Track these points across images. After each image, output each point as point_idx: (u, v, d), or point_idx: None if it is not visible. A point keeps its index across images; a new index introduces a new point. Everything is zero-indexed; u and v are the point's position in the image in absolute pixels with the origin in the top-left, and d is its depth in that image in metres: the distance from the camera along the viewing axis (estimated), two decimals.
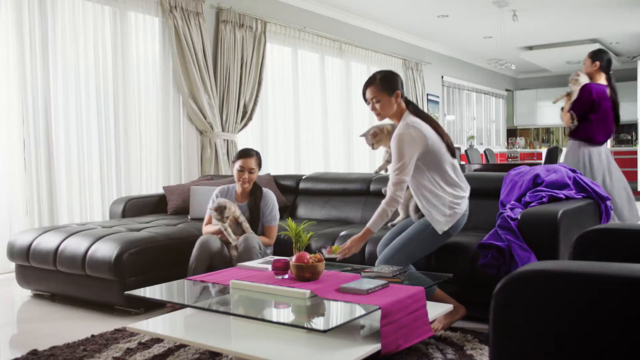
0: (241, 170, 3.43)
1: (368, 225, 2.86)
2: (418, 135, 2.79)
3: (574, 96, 4.37)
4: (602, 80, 4.43)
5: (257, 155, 3.51)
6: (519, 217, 2.99)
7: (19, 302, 3.76)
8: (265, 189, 3.55)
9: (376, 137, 3.15)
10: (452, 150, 2.94)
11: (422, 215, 2.96)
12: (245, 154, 3.46)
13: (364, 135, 3.23)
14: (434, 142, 2.84)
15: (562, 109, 4.53)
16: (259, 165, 3.51)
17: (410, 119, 2.87)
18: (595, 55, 4.42)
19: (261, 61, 6.62)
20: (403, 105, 2.95)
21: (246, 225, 3.35)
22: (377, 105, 2.91)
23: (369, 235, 2.88)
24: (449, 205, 2.88)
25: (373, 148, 3.20)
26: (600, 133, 4.38)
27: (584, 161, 4.33)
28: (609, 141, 4.47)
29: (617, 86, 4.58)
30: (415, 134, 2.79)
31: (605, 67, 4.40)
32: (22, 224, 4.62)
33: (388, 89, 2.91)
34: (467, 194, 2.99)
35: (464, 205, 2.95)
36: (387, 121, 3.07)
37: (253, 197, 3.47)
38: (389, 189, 2.85)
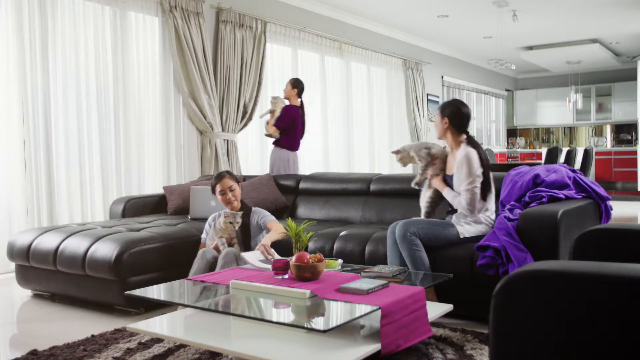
0: (223, 193, 3.45)
1: (446, 188, 3.29)
2: (477, 157, 3.24)
3: (277, 113, 5.36)
4: (297, 102, 5.55)
5: (229, 173, 3.55)
6: (517, 218, 3.00)
7: (19, 302, 3.76)
8: (253, 207, 3.61)
9: (398, 154, 3.52)
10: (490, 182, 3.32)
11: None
12: (218, 177, 3.49)
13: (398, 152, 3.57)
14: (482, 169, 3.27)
15: (268, 122, 5.50)
16: (236, 181, 3.54)
17: (469, 147, 3.27)
18: (294, 83, 5.55)
19: (261, 61, 6.62)
20: (452, 134, 3.35)
21: (237, 247, 3.38)
22: (434, 123, 3.42)
23: (443, 187, 3.30)
24: (482, 221, 3.21)
25: (401, 164, 3.58)
26: (297, 142, 5.58)
27: (289, 163, 5.47)
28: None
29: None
30: (476, 156, 3.24)
31: (299, 93, 5.56)
32: (22, 224, 4.61)
33: (442, 112, 3.38)
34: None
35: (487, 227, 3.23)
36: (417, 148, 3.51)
37: (242, 216, 3.49)
38: (465, 201, 3.17)
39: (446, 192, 3.27)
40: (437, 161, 3.40)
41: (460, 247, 3.11)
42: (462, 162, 3.19)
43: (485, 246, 2.93)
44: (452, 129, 3.32)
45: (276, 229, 3.36)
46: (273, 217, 3.54)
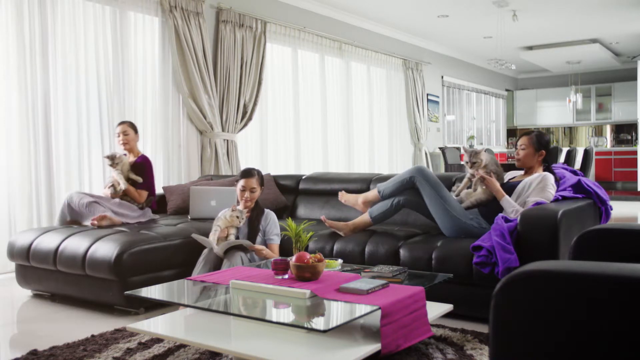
0: (243, 190, 3.50)
1: (506, 195, 3.26)
2: (554, 182, 3.31)
3: (127, 173, 4.23)
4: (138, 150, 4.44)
5: (259, 174, 3.58)
6: (517, 218, 3.02)
7: (19, 302, 3.76)
8: (267, 210, 3.62)
9: (478, 155, 3.41)
10: None
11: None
12: (247, 173, 3.53)
13: (470, 153, 3.44)
14: None
15: (120, 190, 4.19)
16: (261, 183, 3.58)
17: (547, 172, 3.35)
18: (136, 127, 4.40)
19: (261, 61, 6.62)
20: (539, 165, 3.42)
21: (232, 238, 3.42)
22: (522, 152, 3.39)
23: (503, 194, 3.26)
24: None
25: (470, 167, 3.42)
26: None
27: None
28: None
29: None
30: (553, 180, 3.30)
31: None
32: (22, 224, 4.61)
33: (536, 145, 3.38)
34: None
35: None
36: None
37: (254, 213, 3.53)
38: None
39: (505, 200, 3.26)
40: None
41: (459, 247, 3.11)
42: (538, 178, 3.25)
43: (479, 246, 2.96)
44: (541, 162, 3.40)
45: (269, 252, 3.42)
46: (278, 241, 3.55)
